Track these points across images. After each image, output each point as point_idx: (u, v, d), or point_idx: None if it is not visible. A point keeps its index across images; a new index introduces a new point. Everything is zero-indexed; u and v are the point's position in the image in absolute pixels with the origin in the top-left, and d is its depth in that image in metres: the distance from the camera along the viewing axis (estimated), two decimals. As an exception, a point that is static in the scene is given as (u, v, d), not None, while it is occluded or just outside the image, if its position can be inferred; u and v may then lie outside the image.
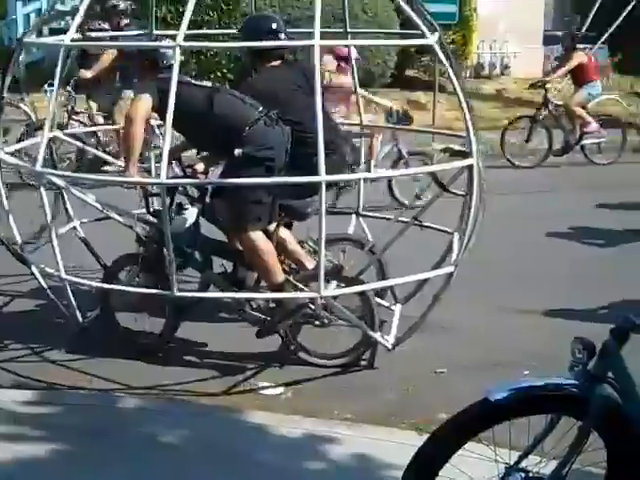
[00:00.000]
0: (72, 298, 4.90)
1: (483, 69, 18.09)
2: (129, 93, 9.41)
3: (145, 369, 4.82)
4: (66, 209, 5.64)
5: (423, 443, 2.78)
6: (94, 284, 4.96)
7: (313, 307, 4.67)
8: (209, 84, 5.04)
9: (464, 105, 4.64)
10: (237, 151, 4.47)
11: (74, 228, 5.65)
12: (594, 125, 11.22)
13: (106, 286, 4.92)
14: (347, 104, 8.42)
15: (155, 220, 4.87)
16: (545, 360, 4.74)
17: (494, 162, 9.91)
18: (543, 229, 7.79)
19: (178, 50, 4.16)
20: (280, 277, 4.61)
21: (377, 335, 4.73)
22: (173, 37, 4.34)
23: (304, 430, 4.02)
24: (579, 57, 11.37)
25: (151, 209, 4.93)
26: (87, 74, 9.53)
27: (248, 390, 4.60)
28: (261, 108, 4.62)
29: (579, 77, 11.34)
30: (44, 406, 4.23)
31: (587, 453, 2.75)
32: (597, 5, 12.26)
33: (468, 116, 4.64)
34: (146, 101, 4.55)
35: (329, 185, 4.80)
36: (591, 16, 12.43)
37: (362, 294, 4.73)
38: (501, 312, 5.75)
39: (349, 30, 5.98)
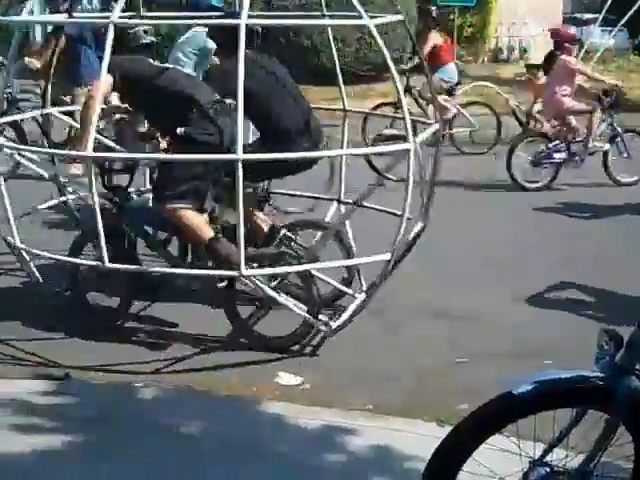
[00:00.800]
0: (32, 267, 5.12)
1: (502, 53, 17.93)
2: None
3: (155, 356, 4.80)
4: (59, 182, 5.78)
5: (445, 437, 2.71)
6: (44, 254, 5.05)
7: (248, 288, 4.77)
8: (169, 65, 5.24)
9: (400, 89, 4.59)
10: (179, 129, 4.70)
11: (64, 202, 5.87)
12: (452, 112, 10.66)
13: (48, 255, 5.04)
14: (571, 83, 9.11)
15: (112, 195, 5.11)
16: (566, 349, 4.68)
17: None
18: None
19: (111, 27, 4.26)
20: (208, 234, 4.75)
21: (313, 319, 4.75)
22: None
23: (323, 421, 3.97)
24: (433, 38, 10.78)
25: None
26: (36, 64, 9.05)
27: (267, 380, 4.54)
28: (217, 96, 4.82)
29: (431, 61, 10.16)
30: (58, 396, 4.20)
31: (614, 447, 2.68)
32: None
33: (404, 99, 4.62)
34: (104, 81, 4.66)
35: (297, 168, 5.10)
36: (611, -2, 12.21)
37: (303, 277, 4.77)
38: (519, 300, 5.69)
39: (325, 13, 6.09)
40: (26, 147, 5.41)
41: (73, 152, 4.89)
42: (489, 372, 4.24)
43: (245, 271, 4.40)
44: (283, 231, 5.19)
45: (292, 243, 5.24)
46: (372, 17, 4.66)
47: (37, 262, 5.26)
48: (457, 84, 11.16)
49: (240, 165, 4.14)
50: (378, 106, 10.38)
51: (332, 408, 4.14)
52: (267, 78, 5.15)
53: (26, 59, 9.32)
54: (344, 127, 6.03)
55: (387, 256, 4.69)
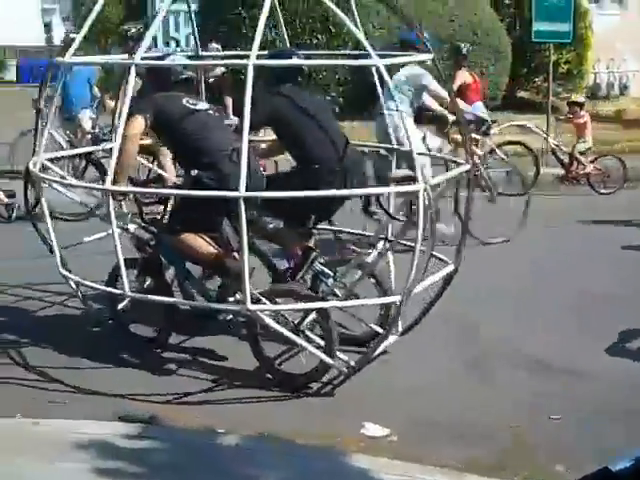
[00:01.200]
0: (80, 294, 5.34)
1: (600, 89, 17.49)
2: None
3: (234, 404, 4.74)
4: (109, 213, 5.79)
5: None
6: (83, 281, 5.17)
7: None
8: (205, 106, 5.30)
9: (408, 128, 4.51)
10: (194, 171, 5.02)
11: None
12: (478, 154, 9.69)
13: (83, 282, 5.16)
14: None
15: (149, 227, 5.39)
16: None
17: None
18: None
19: (133, 68, 4.57)
20: (213, 252, 4.98)
21: (329, 359, 4.69)
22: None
23: (409, 477, 3.80)
24: (461, 77, 10.31)
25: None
26: (111, 104, 9.37)
27: (352, 430, 4.37)
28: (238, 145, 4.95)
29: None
30: (139, 440, 4.12)
31: None
32: None
33: (413, 140, 4.63)
34: (139, 119, 4.94)
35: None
36: None
37: (322, 315, 4.75)
38: (600, 347, 5.43)
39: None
40: (54, 179, 5.51)
41: (91, 185, 5.31)
42: (584, 432, 4.03)
43: (251, 306, 4.41)
44: (315, 253, 5.18)
45: (329, 279, 5.23)
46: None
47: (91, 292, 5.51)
48: (492, 122, 10.83)
49: (242, 202, 4.26)
50: None
51: (419, 463, 3.97)
52: (292, 109, 5.26)
53: (107, 100, 9.58)
54: (393, 165, 6.01)
55: (397, 298, 4.60)
